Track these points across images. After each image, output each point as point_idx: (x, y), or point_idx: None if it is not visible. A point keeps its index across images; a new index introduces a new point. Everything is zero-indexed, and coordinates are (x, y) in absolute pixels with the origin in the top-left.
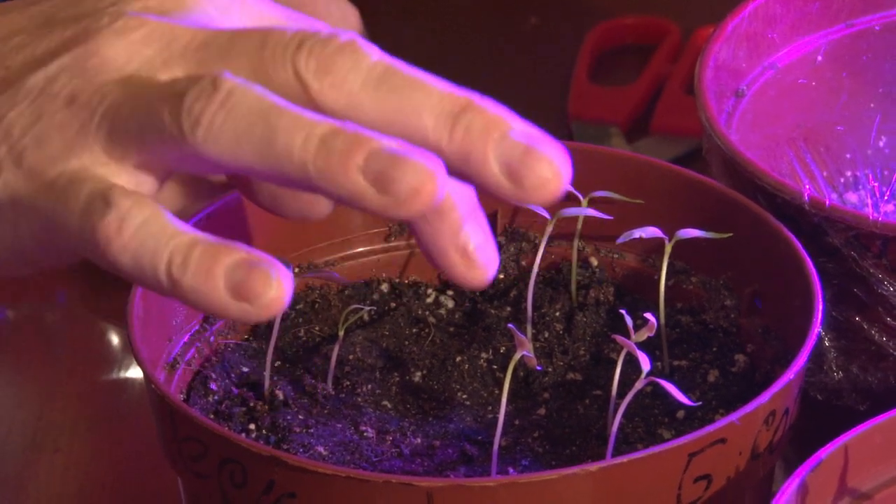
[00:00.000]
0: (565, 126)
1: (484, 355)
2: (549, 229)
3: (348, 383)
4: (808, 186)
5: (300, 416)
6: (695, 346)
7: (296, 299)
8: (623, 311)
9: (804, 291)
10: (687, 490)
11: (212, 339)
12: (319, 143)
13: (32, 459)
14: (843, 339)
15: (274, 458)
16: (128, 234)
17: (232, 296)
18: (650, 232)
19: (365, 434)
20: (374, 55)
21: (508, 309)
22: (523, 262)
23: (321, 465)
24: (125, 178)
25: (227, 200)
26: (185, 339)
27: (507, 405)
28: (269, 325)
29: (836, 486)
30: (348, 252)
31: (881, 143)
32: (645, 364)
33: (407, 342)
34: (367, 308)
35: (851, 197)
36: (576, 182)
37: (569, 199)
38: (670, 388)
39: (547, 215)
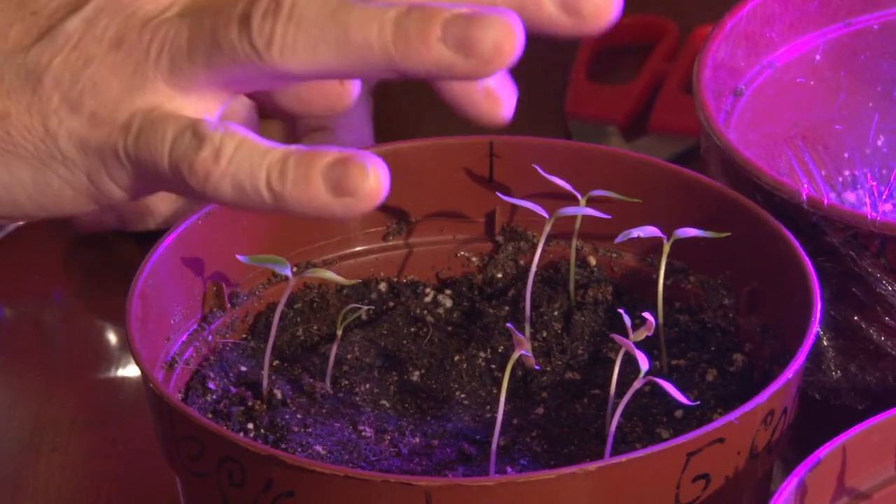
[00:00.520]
0: (563, 125)
1: (482, 354)
2: (548, 228)
3: (346, 382)
4: (806, 185)
5: (298, 416)
6: (693, 346)
7: (293, 298)
8: (621, 311)
9: (802, 290)
10: (685, 489)
11: (210, 338)
12: (395, 26)
13: (30, 459)
14: (841, 338)
15: (272, 457)
16: (224, 163)
17: (334, 194)
18: (648, 231)
19: (363, 433)
20: None
21: (507, 308)
22: (521, 262)
23: (319, 465)
24: (193, 107)
25: None
26: (184, 338)
27: (505, 404)
28: (268, 324)
29: (835, 486)
30: (346, 251)
31: (879, 143)
32: (643, 363)
33: (405, 341)
34: (366, 307)
35: (850, 196)
36: (574, 181)
37: (567, 199)
38: (668, 387)
39: (545, 214)
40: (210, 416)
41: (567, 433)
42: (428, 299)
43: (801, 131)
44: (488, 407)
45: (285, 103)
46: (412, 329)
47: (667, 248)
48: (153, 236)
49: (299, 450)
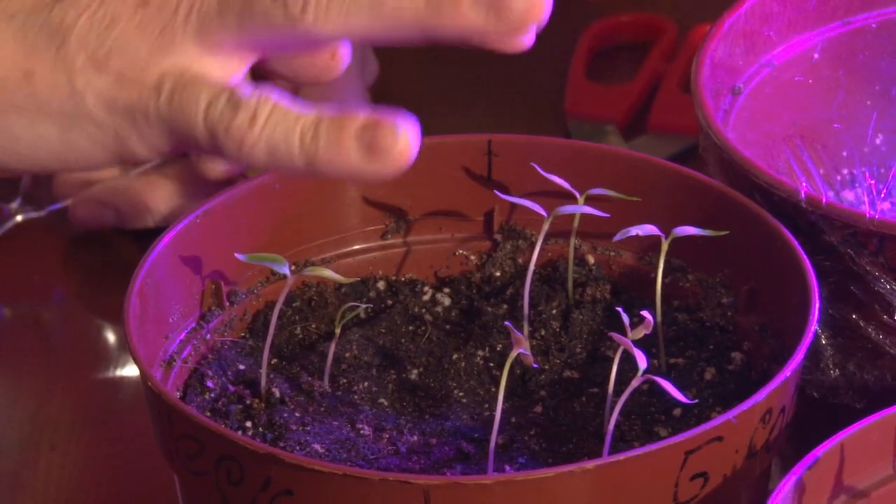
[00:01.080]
0: (562, 124)
1: (480, 353)
2: (546, 227)
3: (345, 381)
4: (804, 184)
5: (297, 414)
6: (691, 344)
7: (292, 297)
8: (620, 309)
9: (801, 289)
10: (683, 488)
11: (208, 336)
12: None
13: (29, 457)
14: (839, 336)
15: (270, 455)
16: (258, 128)
17: (365, 155)
18: (647, 230)
19: (361, 432)
20: None
21: (505, 307)
22: (520, 260)
23: (318, 463)
24: (220, 68)
25: (224, 198)
26: (182, 336)
27: (503, 403)
28: (266, 322)
29: (833, 484)
30: (345, 250)
31: (878, 141)
32: (641, 362)
33: (403, 340)
34: (364, 306)
35: (848, 195)
36: (572, 180)
37: (565, 197)
38: (667, 385)
39: (544, 213)
40: (208, 414)
41: (565, 432)
42: (426, 298)
43: (800, 130)
44: (486, 405)
45: (276, 67)
46: (410, 327)
47: (665, 246)
48: (152, 234)
49: (297, 448)
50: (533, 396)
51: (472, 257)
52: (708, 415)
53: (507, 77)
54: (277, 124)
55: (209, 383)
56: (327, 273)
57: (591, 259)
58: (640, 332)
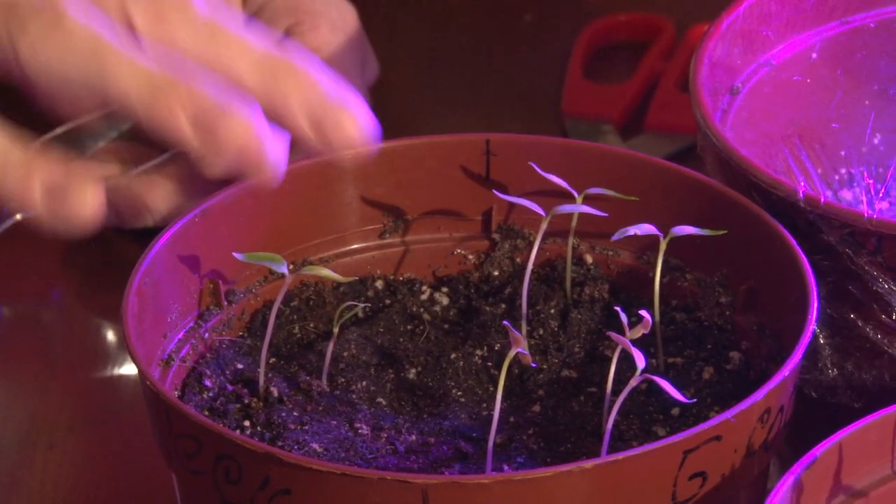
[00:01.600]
0: (559, 123)
1: (479, 352)
2: (544, 226)
3: (343, 380)
4: (803, 184)
5: (295, 413)
6: (690, 344)
7: (290, 296)
8: (618, 309)
9: (799, 289)
10: (682, 487)
11: (206, 335)
12: (151, 88)
13: (27, 456)
14: (837, 336)
15: (269, 454)
16: None
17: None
18: (645, 229)
19: (360, 431)
20: (202, 11)
21: (503, 306)
22: (518, 260)
23: (316, 462)
24: None
25: (221, 198)
26: (180, 335)
27: (501, 402)
28: (264, 322)
29: (831, 484)
30: (343, 249)
31: (876, 141)
32: (640, 361)
33: (402, 339)
34: (362, 305)
35: (846, 194)
36: (570, 179)
37: (563, 197)
38: (665, 385)
39: (542, 212)
40: (206, 413)
41: (564, 431)
42: (424, 297)
43: (798, 129)
44: (485, 405)
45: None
46: (409, 327)
47: (663, 245)
48: (151, 234)
49: (296, 447)
50: (531, 396)
51: (471, 257)
52: (706, 414)
53: (505, 77)
54: None
55: (207, 382)
56: (325, 272)
57: (589, 258)
58: (639, 332)
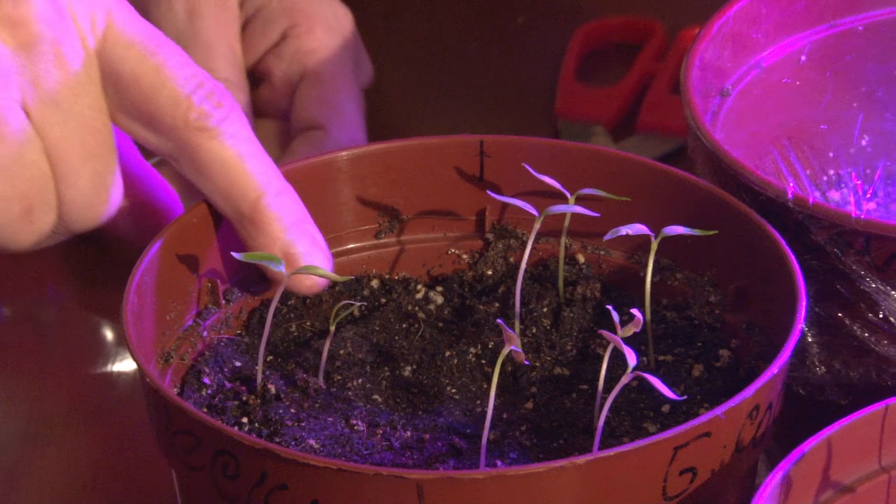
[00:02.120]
0: (552, 125)
1: (473, 350)
2: (537, 226)
3: (339, 378)
4: (791, 184)
5: (292, 410)
6: (680, 342)
7: (287, 295)
8: (609, 307)
9: (788, 288)
10: (672, 483)
11: (205, 333)
12: None
13: (26, 452)
14: (826, 334)
15: (266, 450)
16: None
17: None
18: (636, 229)
19: (356, 427)
20: None
21: (497, 305)
22: (511, 259)
23: (313, 458)
24: None
25: None
26: (179, 333)
27: (495, 399)
28: (262, 320)
29: (819, 480)
30: (339, 248)
31: (864, 142)
32: (631, 359)
33: (397, 337)
34: (358, 304)
35: (834, 195)
36: (563, 180)
37: (556, 197)
38: (656, 382)
39: (535, 212)
40: (205, 410)
41: (556, 427)
42: (419, 296)
43: (787, 131)
44: (478, 402)
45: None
46: (404, 325)
47: (654, 245)
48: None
49: (293, 443)
50: (524, 393)
51: (465, 256)
52: (696, 411)
53: (499, 78)
54: None
55: (206, 380)
56: (321, 271)
57: (581, 258)
58: (630, 330)
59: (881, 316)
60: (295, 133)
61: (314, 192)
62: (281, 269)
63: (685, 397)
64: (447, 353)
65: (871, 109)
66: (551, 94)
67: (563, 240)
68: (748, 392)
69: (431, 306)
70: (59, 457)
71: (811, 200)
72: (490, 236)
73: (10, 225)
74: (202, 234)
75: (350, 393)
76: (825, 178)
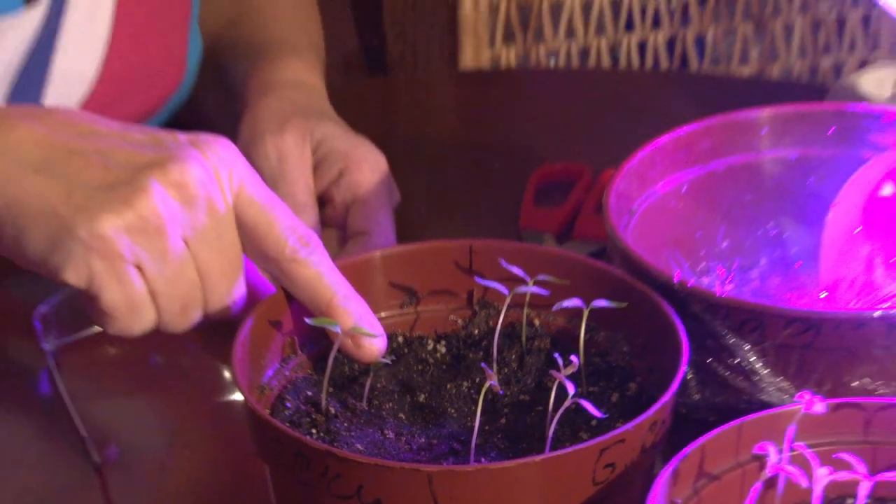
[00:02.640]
0: (517, 233)
1: (465, 384)
2: (508, 300)
3: (377, 402)
4: (677, 272)
5: (345, 425)
6: (603, 378)
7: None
8: (556, 355)
9: (675, 342)
10: (599, 473)
11: (287, 372)
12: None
13: (172, 453)
14: (700, 373)
15: (328, 452)
16: None
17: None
18: (573, 303)
19: (387, 436)
20: None
21: (481, 353)
22: (491, 323)
23: (359, 457)
24: None
25: None
26: (270, 373)
27: (480, 417)
28: (325, 364)
29: (696, 471)
30: (377, 315)
31: (724, 245)
32: (570, 389)
33: (415, 375)
34: (390, 359)
35: (705, 280)
36: (526, 269)
37: (521, 281)
38: (587, 405)
39: (506, 292)
40: (287, 424)
41: (521, 436)
42: (430, 348)
43: (674, 238)
44: (469, 418)
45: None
46: (419, 367)
47: (586, 313)
48: None
49: (346, 447)
50: (499, 413)
51: (460, 321)
52: (615, 425)
53: (483, 201)
54: None
55: (288, 405)
56: (365, 331)
57: (537, 322)
58: (570, 370)
59: (736, 362)
60: (348, 238)
61: (361, 278)
62: (337, 330)
63: (607, 416)
64: (448, 386)
65: (730, 224)
66: (517, 212)
67: (525, 310)
68: (649, 413)
69: (438, 354)
70: (193, 457)
71: (689, 284)
72: (476, 307)
73: (172, 317)
74: (284, 307)
75: (384, 413)
76: (699, 269)
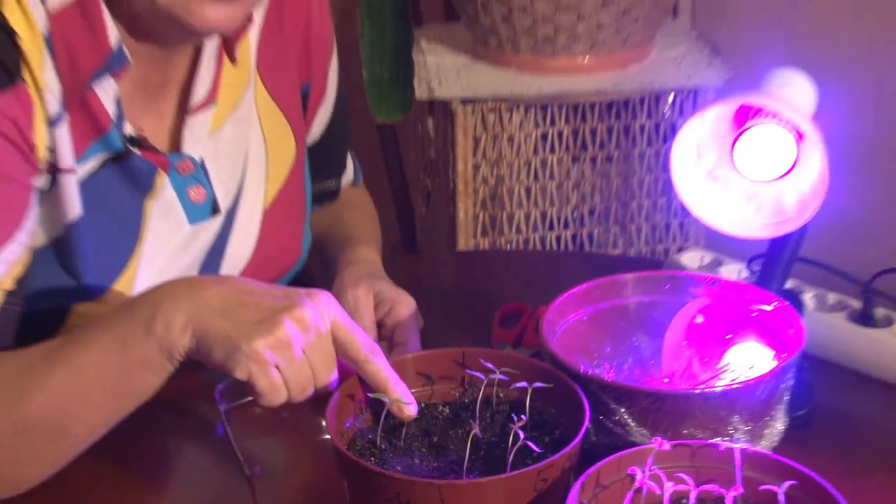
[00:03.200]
0: (490, 343)
1: (460, 431)
2: (485, 383)
3: (408, 442)
4: (582, 366)
5: (389, 455)
6: (540, 428)
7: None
8: (513, 415)
9: (581, 407)
10: (538, 485)
11: (358, 424)
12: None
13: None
14: (595, 425)
15: (380, 473)
16: None
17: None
18: (522, 384)
19: (415, 462)
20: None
21: (469, 413)
22: (475, 395)
23: (397, 475)
24: None
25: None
26: (348, 424)
27: (468, 452)
28: (379, 420)
29: (595, 484)
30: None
31: (608, 351)
32: (521, 435)
33: (431, 426)
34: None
35: (598, 371)
36: (495, 364)
37: (492, 371)
38: (531, 444)
39: (483, 378)
40: (357, 455)
41: (493, 464)
42: (439, 409)
43: (581, 346)
44: (462, 453)
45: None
46: (433, 421)
47: (530, 390)
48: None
49: (390, 469)
50: (480, 450)
51: (456, 394)
52: (547, 456)
53: (472, 327)
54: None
55: (357, 443)
56: (403, 401)
57: (501, 395)
58: (520, 424)
59: (616, 418)
60: (393, 347)
61: (401, 370)
62: (386, 400)
63: (543, 451)
64: (450, 433)
65: (619, 338)
66: (490, 331)
67: (495, 388)
68: (567, 449)
69: (444, 414)
70: (300, 479)
71: (589, 373)
72: (466, 386)
73: (296, 395)
74: (357, 386)
75: (413, 448)
76: (594, 364)
